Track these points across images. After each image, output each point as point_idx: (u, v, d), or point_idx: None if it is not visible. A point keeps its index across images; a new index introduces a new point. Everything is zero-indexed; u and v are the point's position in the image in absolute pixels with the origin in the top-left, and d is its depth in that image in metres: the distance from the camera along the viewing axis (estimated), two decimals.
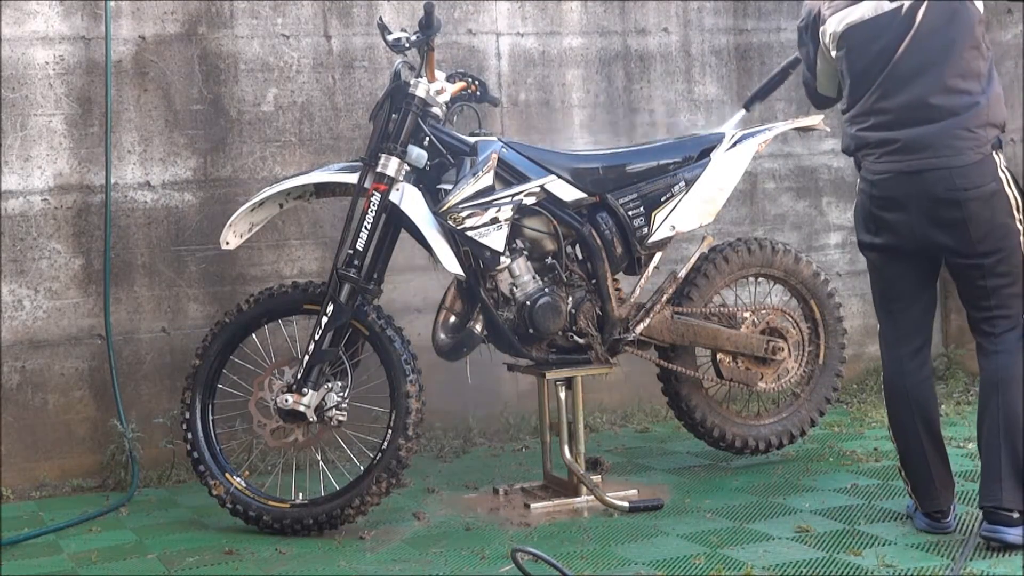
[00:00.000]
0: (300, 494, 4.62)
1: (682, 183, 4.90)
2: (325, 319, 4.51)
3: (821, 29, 4.17)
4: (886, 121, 4.00)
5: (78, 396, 5.33)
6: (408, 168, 4.60)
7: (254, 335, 4.79)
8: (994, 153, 3.96)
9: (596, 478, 4.80)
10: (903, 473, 4.24)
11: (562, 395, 4.78)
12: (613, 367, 4.85)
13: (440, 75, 4.72)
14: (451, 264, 4.55)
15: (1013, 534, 3.91)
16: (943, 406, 6.02)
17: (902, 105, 3.97)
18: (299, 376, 4.55)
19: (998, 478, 3.93)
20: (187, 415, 4.65)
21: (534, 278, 4.71)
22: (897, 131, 3.98)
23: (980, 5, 3.98)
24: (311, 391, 4.54)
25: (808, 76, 4.37)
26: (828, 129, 6.47)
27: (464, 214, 4.52)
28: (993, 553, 3.94)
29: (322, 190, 4.78)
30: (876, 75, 4.00)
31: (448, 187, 4.58)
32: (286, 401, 4.54)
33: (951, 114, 3.93)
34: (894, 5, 3.97)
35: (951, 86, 3.93)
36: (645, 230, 4.85)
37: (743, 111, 5.22)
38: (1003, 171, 3.97)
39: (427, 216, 4.57)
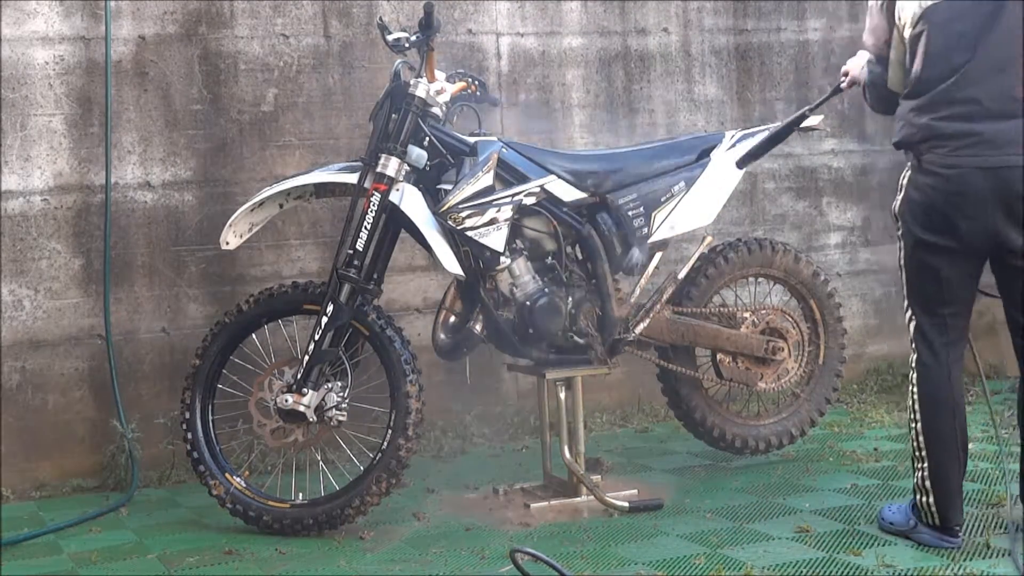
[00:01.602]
0: (300, 494, 4.62)
1: (682, 183, 4.90)
2: (325, 319, 4.51)
3: (900, 5, 3.96)
4: (967, 112, 3.84)
5: (78, 396, 5.33)
6: (408, 168, 4.60)
7: (254, 335, 4.79)
8: None
9: (596, 478, 4.80)
10: (927, 484, 4.03)
11: (562, 395, 4.78)
12: (612, 367, 4.85)
13: (440, 75, 4.72)
14: (451, 264, 4.55)
15: None
16: None
17: (987, 96, 3.82)
18: (299, 376, 4.55)
19: None
20: (187, 415, 4.65)
21: (534, 278, 4.71)
22: (979, 123, 3.82)
23: None
24: (311, 391, 4.54)
25: (877, 72, 4.13)
26: (828, 129, 6.51)
27: (464, 214, 4.52)
28: (994, 553, 3.94)
29: (322, 190, 4.78)
30: (959, 60, 3.84)
31: (448, 187, 4.58)
32: (286, 401, 4.54)
33: None
34: None
35: None
36: (645, 230, 4.85)
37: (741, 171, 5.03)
38: None
39: (427, 216, 4.57)
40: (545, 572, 3.74)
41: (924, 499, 4.06)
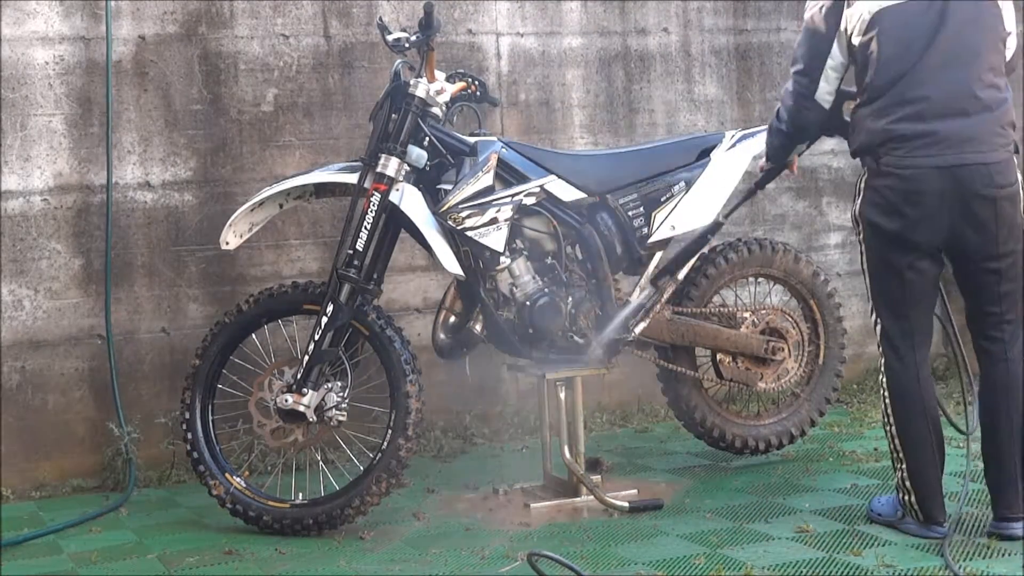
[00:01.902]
0: (300, 494, 4.62)
1: (682, 183, 4.90)
2: (325, 319, 4.51)
3: (847, 12, 4.00)
4: (919, 111, 3.87)
5: (78, 396, 5.33)
6: (408, 168, 4.60)
7: (254, 335, 4.79)
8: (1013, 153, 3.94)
9: (596, 478, 4.80)
10: (908, 484, 4.09)
11: (562, 395, 4.79)
12: (611, 368, 4.85)
13: (440, 75, 4.72)
14: (451, 264, 4.55)
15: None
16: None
17: (939, 94, 3.86)
18: (299, 376, 4.55)
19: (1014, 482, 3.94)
20: (187, 415, 4.65)
21: (534, 278, 4.71)
22: (934, 123, 3.86)
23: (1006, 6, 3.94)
24: (311, 391, 4.54)
25: (805, 86, 4.15)
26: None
27: (464, 214, 4.52)
28: (992, 553, 3.94)
29: (322, 190, 4.78)
30: (910, 61, 3.88)
31: (448, 187, 4.58)
32: (286, 401, 4.54)
33: (986, 108, 3.86)
34: None
35: (986, 80, 3.87)
36: (645, 230, 4.85)
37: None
38: (1020, 171, 3.95)
39: (427, 216, 4.57)
40: (559, 572, 3.74)
41: (907, 497, 4.13)
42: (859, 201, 4.07)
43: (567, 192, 4.77)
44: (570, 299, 4.76)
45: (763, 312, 5.11)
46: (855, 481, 4.87)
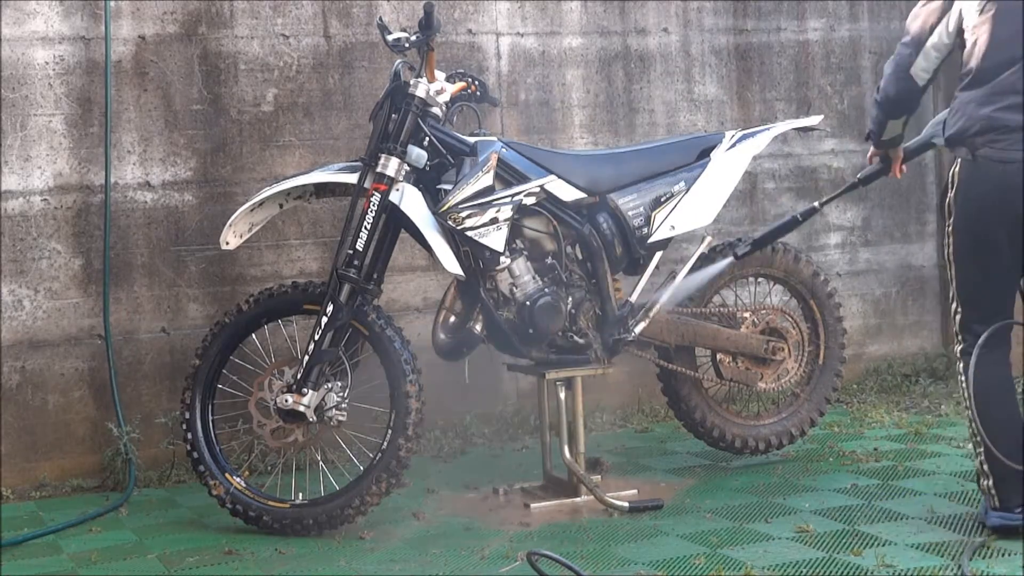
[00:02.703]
0: (300, 494, 4.62)
1: (682, 183, 4.90)
2: (325, 319, 4.51)
3: None
4: None
5: (78, 396, 5.33)
6: (408, 168, 4.60)
7: (254, 335, 4.79)
8: None
9: (596, 478, 4.80)
10: (985, 468, 4.04)
11: (562, 395, 4.79)
12: (610, 368, 4.85)
13: (440, 75, 4.72)
14: (451, 264, 4.55)
15: None
16: (943, 406, 6.02)
17: None
18: (299, 376, 4.55)
19: None
20: (187, 415, 4.65)
21: (534, 278, 4.71)
22: None
23: None
24: (311, 391, 4.54)
25: (904, 57, 4.07)
26: (828, 129, 6.51)
27: (464, 214, 4.51)
28: (992, 553, 3.94)
29: (322, 190, 4.78)
30: (1021, 50, 3.82)
31: (448, 187, 4.58)
32: (286, 401, 4.54)
33: None
34: None
35: None
36: (645, 230, 4.85)
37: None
38: None
39: (427, 216, 4.57)
40: (558, 572, 3.74)
41: (985, 482, 4.09)
42: (951, 191, 4.03)
43: (567, 192, 4.77)
44: (570, 299, 4.76)
45: (763, 312, 5.11)
46: (855, 481, 4.87)
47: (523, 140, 5.62)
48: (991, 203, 3.93)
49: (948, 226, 4.08)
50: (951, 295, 4.15)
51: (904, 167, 4.59)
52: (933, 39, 4.03)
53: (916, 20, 4.10)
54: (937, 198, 4.22)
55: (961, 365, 4.11)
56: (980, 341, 4.00)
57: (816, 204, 5.01)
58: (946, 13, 4.01)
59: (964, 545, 4.01)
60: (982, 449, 4.05)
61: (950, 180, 4.05)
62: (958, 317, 4.11)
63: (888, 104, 4.24)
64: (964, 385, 4.09)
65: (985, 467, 4.07)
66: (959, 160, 4.01)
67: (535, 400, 5.17)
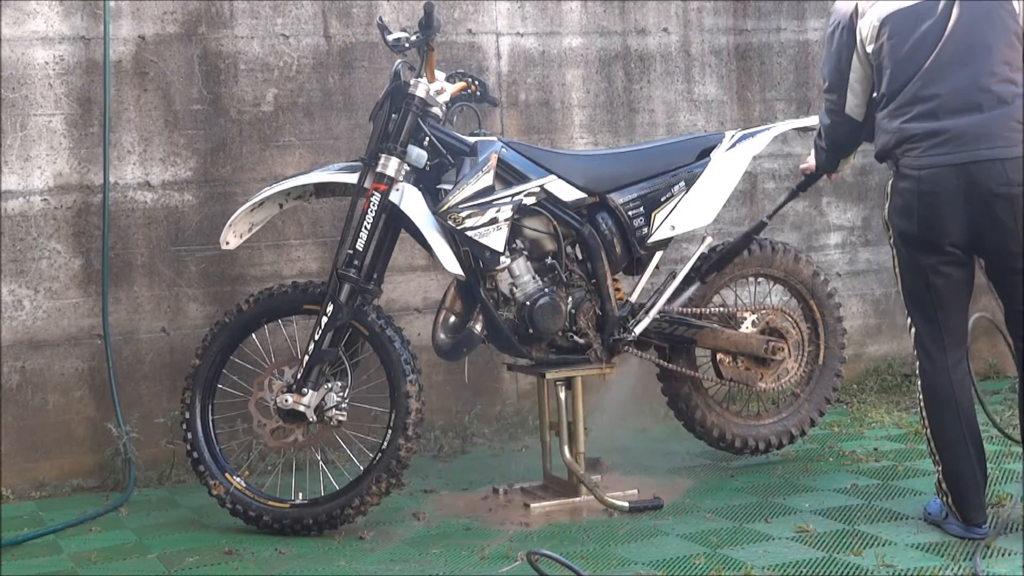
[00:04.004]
0: (300, 494, 4.62)
1: (682, 183, 4.90)
2: (325, 319, 4.51)
3: (860, 24, 4.03)
4: (932, 109, 3.87)
5: (78, 396, 5.33)
6: (408, 168, 4.60)
7: (254, 335, 4.79)
8: None
9: (596, 478, 4.80)
10: (944, 486, 4.08)
11: (562, 395, 4.79)
12: (610, 368, 4.85)
13: (440, 75, 4.72)
14: (451, 264, 4.55)
15: None
16: None
17: (951, 91, 3.84)
18: (299, 376, 4.55)
19: None
20: (187, 415, 4.65)
21: (534, 278, 4.71)
22: (945, 120, 3.85)
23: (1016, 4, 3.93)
24: (311, 391, 4.54)
25: (834, 102, 4.20)
26: None
27: (464, 214, 4.52)
28: (992, 553, 3.94)
29: (322, 190, 4.78)
30: (921, 61, 3.88)
31: (448, 187, 4.58)
32: (286, 401, 4.54)
33: (1001, 103, 3.83)
34: None
35: (999, 73, 3.83)
36: (645, 230, 4.85)
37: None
38: None
39: (427, 216, 4.57)
40: (558, 572, 3.74)
41: (945, 499, 4.12)
42: (887, 205, 4.07)
43: (567, 192, 4.77)
44: (570, 299, 4.76)
45: (763, 312, 5.11)
46: (855, 481, 4.87)
47: (523, 140, 5.63)
48: (917, 210, 3.92)
49: (889, 239, 4.11)
50: (906, 312, 4.15)
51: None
52: (853, 76, 4.13)
53: (828, 65, 4.21)
54: None
55: (919, 382, 4.10)
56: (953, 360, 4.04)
57: (764, 219, 5.04)
58: (852, 48, 4.10)
59: (976, 545, 4.01)
60: (941, 468, 4.08)
61: (885, 194, 4.11)
62: (912, 332, 4.12)
63: (837, 148, 4.42)
64: (920, 401, 4.11)
65: (943, 485, 4.09)
66: (892, 173, 4.05)
67: (535, 400, 5.17)
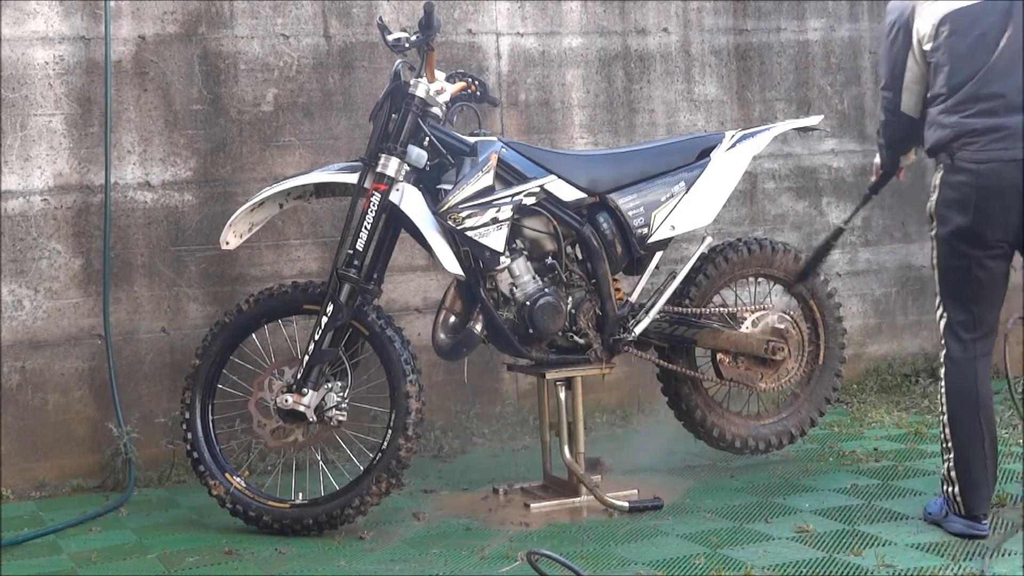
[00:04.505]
0: (300, 494, 4.62)
1: (682, 183, 4.90)
2: (325, 319, 4.51)
3: (916, 24, 4.11)
4: (993, 107, 3.96)
5: (78, 396, 5.33)
6: (408, 168, 4.60)
7: (254, 335, 4.79)
8: None
9: (596, 478, 4.80)
10: (952, 475, 4.12)
11: (562, 395, 4.79)
12: (610, 368, 4.85)
13: (440, 75, 4.72)
14: (451, 264, 4.55)
15: None
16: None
17: (1012, 90, 3.94)
18: (299, 376, 4.55)
19: None
20: (187, 415, 4.65)
21: (534, 278, 4.71)
22: (1006, 117, 3.95)
23: None
24: (311, 391, 4.54)
25: (890, 100, 4.26)
26: (828, 129, 6.51)
27: (464, 214, 4.51)
28: (993, 553, 3.94)
29: (322, 190, 4.78)
30: (981, 60, 3.97)
31: (448, 187, 4.58)
32: (286, 401, 4.54)
33: None
34: None
35: None
36: (645, 230, 4.85)
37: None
38: None
39: (427, 216, 4.57)
40: (558, 572, 3.74)
41: (951, 489, 4.14)
42: (933, 197, 4.12)
43: (567, 192, 4.77)
44: (570, 299, 4.76)
45: (763, 312, 5.10)
46: (855, 481, 4.87)
47: (523, 140, 5.63)
48: (973, 203, 4.00)
49: (932, 232, 4.16)
50: (937, 301, 4.20)
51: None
52: (908, 76, 4.20)
53: (884, 63, 4.28)
54: None
55: (943, 371, 4.16)
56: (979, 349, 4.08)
57: (841, 224, 5.09)
58: (908, 48, 4.16)
59: (982, 544, 4.01)
60: (952, 456, 4.12)
61: (931, 187, 4.15)
62: (943, 322, 4.17)
63: (893, 144, 4.42)
64: (941, 390, 4.16)
65: (952, 474, 4.12)
66: (940, 167, 4.11)
67: (535, 400, 5.17)
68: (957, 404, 4.12)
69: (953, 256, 4.10)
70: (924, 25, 4.09)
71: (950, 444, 4.13)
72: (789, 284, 5.13)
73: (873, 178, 4.70)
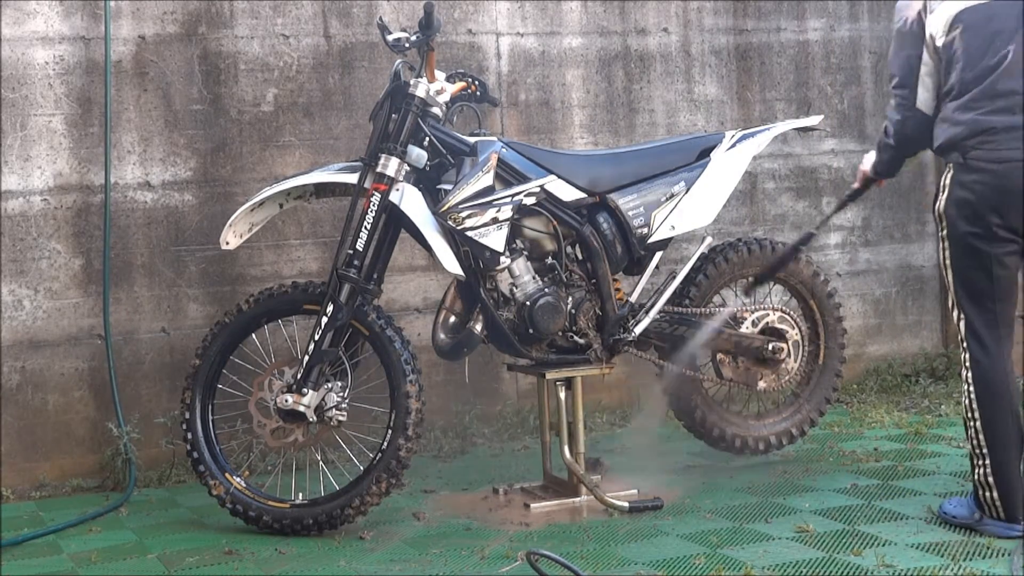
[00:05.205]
0: (300, 494, 4.62)
1: (682, 183, 4.90)
2: (325, 319, 4.51)
3: (930, 18, 4.09)
4: (1010, 105, 3.94)
5: (78, 396, 5.33)
6: (408, 168, 4.60)
7: (254, 335, 4.79)
8: None
9: (596, 478, 4.80)
10: (990, 480, 4.04)
11: (562, 395, 4.79)
12: (610, 368, 4.85)
13: (440, 75, 4.72)
14: (451, 264, 4.55)
15: None
16: (943, 406, 6.02)
17: None
18: (299, 376, 4.55)
19: None
20: (187, 415, 4.65)
21: (534, 278, 4.71)
22: (1022, 116, 3.93)
23: None
24: (311, 391, 4.54)
25: (905, 96, 4.21)
26: (828, 129, 6.51)
27: (464, 214, 4.51)
28: (993, 553, 3.94)
29: (322, 190, 4.78)
30: (998, 56, 3.95)
31: (448, 187, 4.58)
32: (286, 401, 4.54)
33: None
34: None
35: None
36: (645, 230, 4.85)
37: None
38: None
39: (427, 216, 4.57)
40: (558, 572, 3.74)
41: (988, 494, 4.07)
42: (943, 197, 4.08)
43: (567, 192, 4.77)
44: (570, 299, 4.76)
45: (763, 312, 5.10)
46: (855, 481, 4.87)
47: (523, 140, 5.63)
48: (988, 203, 3.97)
49: (942, 232, 4.11)
50: (951, 302, 4.15)
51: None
52: (923, 69, 4.15)
53: (896, 61, 4.23)
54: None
55: (969, 374, 4.08)
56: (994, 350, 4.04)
57: (812, 230, 5.06)
58: (921, 43, 4.14)
59: (964, 546, 4.01)
60: (988, 461, 4.04)
61: (941, 187, 4.11)
62: (963, 323, 4.10)
63: (906, 143, 4.33)
64: (969, 392, 4.08)
65: (990, 479, 4.05)
66: (951, 166, 4.06)
67: (535, 400, 5.17)
68: (991, 407, 4.03)
69: (969, 255, 4.04)
70: (937, 21, 4.07)
71: (985, 450, 4.04)
72: (753, 284, 5.08)
73: (856, 185, 4.65)
